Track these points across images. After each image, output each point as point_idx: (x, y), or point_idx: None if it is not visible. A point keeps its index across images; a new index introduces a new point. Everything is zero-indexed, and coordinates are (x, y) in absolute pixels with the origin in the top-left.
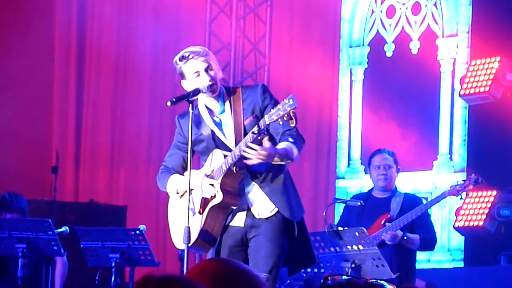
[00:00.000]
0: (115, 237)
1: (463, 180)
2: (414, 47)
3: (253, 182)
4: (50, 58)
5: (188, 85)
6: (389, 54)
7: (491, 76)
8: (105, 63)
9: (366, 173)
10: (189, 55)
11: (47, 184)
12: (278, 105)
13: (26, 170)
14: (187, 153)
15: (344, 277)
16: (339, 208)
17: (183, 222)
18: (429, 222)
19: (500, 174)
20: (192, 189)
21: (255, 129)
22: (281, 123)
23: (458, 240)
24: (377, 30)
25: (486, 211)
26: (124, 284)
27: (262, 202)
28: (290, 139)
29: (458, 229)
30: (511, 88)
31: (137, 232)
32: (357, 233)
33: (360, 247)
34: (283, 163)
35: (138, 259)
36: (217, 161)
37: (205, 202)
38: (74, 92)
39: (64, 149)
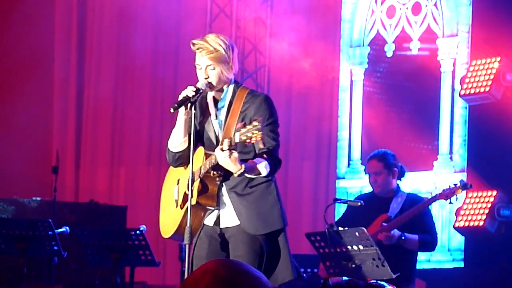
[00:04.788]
0: (115, 237)
1: (454, 184)
2: (414, 47)
3: (225, 189)
4: (50, 58)
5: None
6: (389, 54)
7: (491, 76)
8: (105, 63)
9: (366, 173)
10: (198, 48)
11: (47, 184)
12: (249, 125)
13: (26, 170)
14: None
15: (345, 278)
16: (340, 208)
17: (170, 213)
18: (430, 222)
19: (500, 174)
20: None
21: (226, 145)
22: (253, 142)
23: (458, 240)
24: (377, 30)
25: (486, 211)
26: (124, 284)
27: (230, 211)
28: (265, 156)
29: (458, 229)
30: (511, 88)
31: (137, 232)
32: (357, 233)
33: (360, 247)
34: (252, 176)
35: (138, 259)
36: (198, 160)
37: (186, 198)
38: (74, 92)
39: (64, 149)
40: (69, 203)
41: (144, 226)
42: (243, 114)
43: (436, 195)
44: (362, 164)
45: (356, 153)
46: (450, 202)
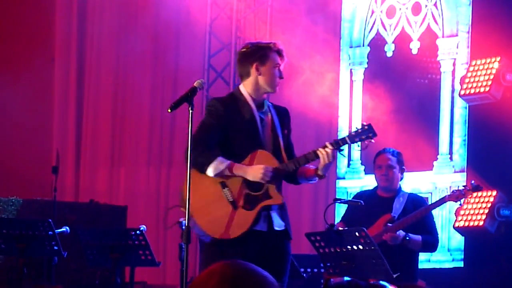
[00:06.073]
0: (115, 237)
1: (464, 186)
2: (414, 47)
3: None
4: (50, 58)
5: (259, 68)
6: (389, 54)
7: (491, 76)
8: (105, 62)
9: (366, 173)
10: (283, 54)
11: (47, 184)
12: (358, 129)
13: (26, 170)
14: (222, 136)
15: (346, 278)
16: (340, 208)
17: (226, 215)
18: (432, 223)
19: (500, 174)
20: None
21: (330, 146)
22: (358, 146)
23: (458, 240)
24: (377, 30)
25: (486, 211)
26: (124, 284)
27: (276, 215)
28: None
29: (458, 229)
30: (511, 88)
31: (137, 232)
32: (357, 233)
33: (360, 247)
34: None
35: (138, 259)
36: (267, 162)
37: (253, 199)
38: (74, 92)
39: (64, 149)
40: (69, 203)
41: (144, 226)
42: (281, 122)
43: (445, 196)
44: (362, 164)
45: (356, 153)
46: (460, 204)
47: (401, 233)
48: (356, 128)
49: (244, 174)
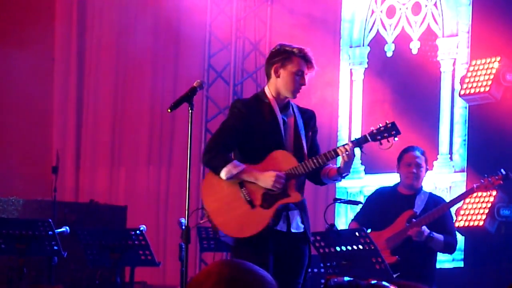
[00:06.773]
0: (115, 237)
1: (491, 175)
2: (414, 47)
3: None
4: (50, 58)
5: (278, 70)
6: (389, 54)
7: (491, 76)
8: (105, 62)
9: (366, 173)
10: (311, 62)
11: (47, 184)
12: (380, 127)
13: (26, 170)
14: (243, 137)
15: (346, 278)
16: (340, 208)
17: (243, 214)
18: (452, 225)
19: None
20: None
21: (350, 143)
22: (380, 144)
23: (458, 240)
24: (377, 30)
25: (486, 211)
26: (124, 284)
27: (296, 216)
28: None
29: (458, 229)
30: (511, 88)
31: (137, 232)
32: (357, 233)
33: (360, 247)
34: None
35: (138, 259)
36: (286, 162)
37: (271, 197)
38: (74, 92)
39: (64, 149)
40: (69, 203)
41: (144, 226)
42: (306, 124)
43: (473, 187)
44: (362, 164)
45: (356, 153)
46: (490, 194)
47: (425, 229)
48: (379, 125)
49: (256, 180)
